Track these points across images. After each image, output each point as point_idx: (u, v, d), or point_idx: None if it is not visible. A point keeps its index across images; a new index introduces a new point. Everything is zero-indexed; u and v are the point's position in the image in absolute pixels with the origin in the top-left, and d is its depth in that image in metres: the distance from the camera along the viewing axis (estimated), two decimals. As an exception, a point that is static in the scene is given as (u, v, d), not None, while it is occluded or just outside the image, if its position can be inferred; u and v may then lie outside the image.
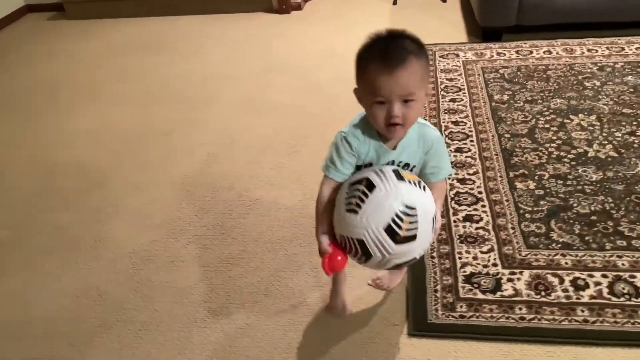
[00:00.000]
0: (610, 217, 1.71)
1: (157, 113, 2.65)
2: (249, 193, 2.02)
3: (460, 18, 3.33)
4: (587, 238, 1.64)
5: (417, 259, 1.13)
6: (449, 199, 1.84)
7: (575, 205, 1.77)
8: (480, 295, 1.49)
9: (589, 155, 1.99)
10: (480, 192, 1.87)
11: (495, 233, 1.69)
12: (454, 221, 1.75)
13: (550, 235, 1.67)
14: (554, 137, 2.11)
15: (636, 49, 2.67)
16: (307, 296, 1.58)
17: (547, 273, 1.54)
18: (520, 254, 1.61)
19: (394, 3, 3.62)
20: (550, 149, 2.04)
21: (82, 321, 1.58)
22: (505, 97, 2.40)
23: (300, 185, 2.02)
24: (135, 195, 2.09)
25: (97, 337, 1.53)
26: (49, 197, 2.14)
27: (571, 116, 2.22)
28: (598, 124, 2.16)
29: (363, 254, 1.09)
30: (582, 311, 1.42)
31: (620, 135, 2.08)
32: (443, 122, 2.27)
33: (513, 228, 1.71)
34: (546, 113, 2.26)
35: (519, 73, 2.58)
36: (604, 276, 1.51)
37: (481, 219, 1.75)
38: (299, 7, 3.72)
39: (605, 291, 1.47)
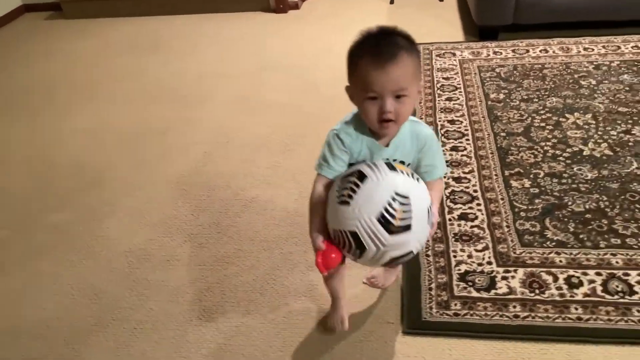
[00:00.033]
0: (604, 215, 1.72)
1: (153, 112, 2.65)
2: (245, 192, 2.02)
3: (457, 17, 3.33)
4: (581, 236, 1.65)
5: (413, 253, 1.11)
6: (445, 198, 1.84)
7: (570, 203, 1.78)
8: (474, 294, 1.50)
9: (584, 153, 2.00)
10: (475, 191, 1.87)
11: (490, 231, 1.70)
12: (449, 219, 1.76)
13: (545, 233, 1.67)
14: (550, 136, 2.11)
15: (632, 47, 2.67)
16: (303, 295, 1.58)
17: (542, 271, 1.54)
18: (514, 252, 1.62)
19: (391, 2, 3.62)
20: (545, 148, 2.05)
21: (78, 320, 1.59)
22: (502, 96, 2.40)
23: (296, 184, 2.02)
24: (131, 194, 2.09)
25: (92, 336, 1.53)
26: (45, 197, 2.14)
27: (567, 115, 2.23)
28: (593, 122, 2.17)
29: (357, 247, 1.07)
30: (576, 309, 1.42)
31: (615, 133, 2.09)
32: (439, 121, 2.28)
33: (508, 226, 1.71)
34: (542, 112, 2.27)
35: (515, 72, 2.58)
36: (598, 274, 1.52)
37: (476, 217, 1.76)
38: (296, 6, 3.72)
39: (599, 289, 1.48)
